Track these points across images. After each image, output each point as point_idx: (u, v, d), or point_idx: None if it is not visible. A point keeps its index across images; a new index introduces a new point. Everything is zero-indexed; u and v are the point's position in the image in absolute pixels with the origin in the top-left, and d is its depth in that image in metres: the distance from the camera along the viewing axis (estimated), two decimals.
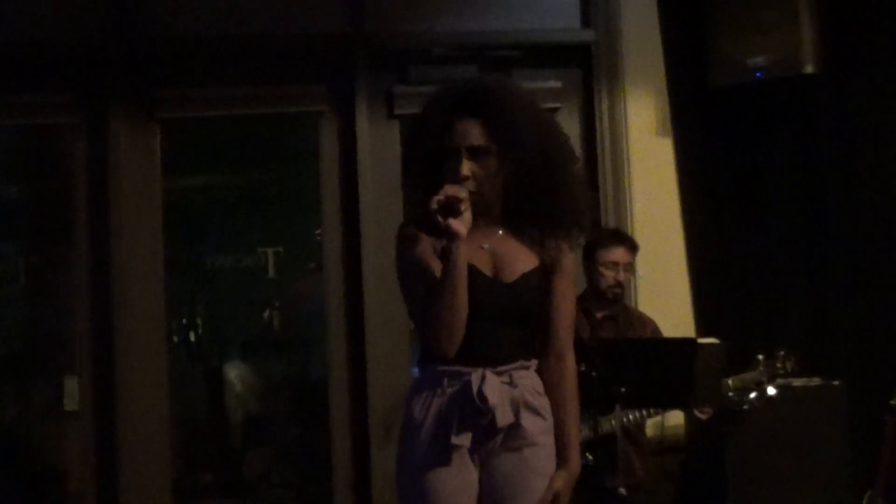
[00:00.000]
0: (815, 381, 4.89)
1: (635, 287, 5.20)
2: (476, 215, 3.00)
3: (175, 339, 6.19)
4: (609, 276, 4.71)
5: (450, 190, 2.94)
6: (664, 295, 5.30)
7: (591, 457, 4.30)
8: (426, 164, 3.09)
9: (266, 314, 6.58)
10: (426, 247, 3.07)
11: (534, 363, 3.14)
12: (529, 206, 3.10)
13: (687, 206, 5.42)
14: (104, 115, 5.20)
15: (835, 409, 4.88)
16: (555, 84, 5.46)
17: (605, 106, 5.46)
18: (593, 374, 4.00)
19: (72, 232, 5.25)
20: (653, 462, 4.84)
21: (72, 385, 5.18)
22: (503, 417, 3.03)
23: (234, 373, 6.53)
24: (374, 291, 5.25)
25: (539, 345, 3.16)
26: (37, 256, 5.66)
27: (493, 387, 3.03)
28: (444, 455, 3.03)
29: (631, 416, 4.45)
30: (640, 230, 5.25)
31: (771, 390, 4.54)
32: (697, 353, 4.23)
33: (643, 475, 4.68)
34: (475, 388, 3.02)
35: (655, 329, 4.83)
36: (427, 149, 3.10)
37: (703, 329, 5.24)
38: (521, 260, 3.11)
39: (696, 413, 4.52)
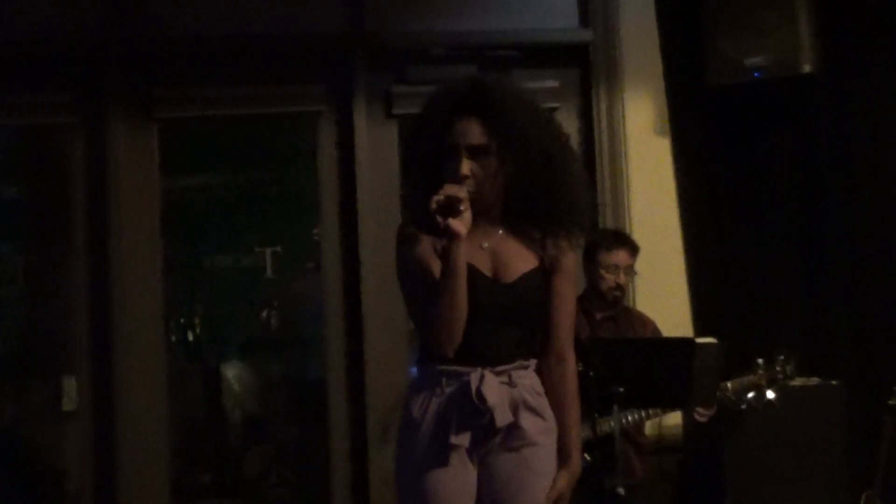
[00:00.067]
0: (814, 381, 4.89)
1: (633, 287, 5.19)
2: (476, 215, 3.00)
3: (173, 338, 6.19)
4: (610, 278, 4.70)
5: (449, 190, 2.93)
6: (662, 295, 5.29)
7: (588, 457, 4.30)
8: (426, 164, 3.09)
9: (264, 314, 6.59)
10: (426, 247, 3.06)
11: (533, 363, 3.14)
12: (530, 206, 3.10)
13: (685, 206, 5.42)
14: (103, 114, 5.20)
15: (833, 409, 4.87)
16: (553, 84, 5.46)
17: (603, 106, 5.46)
18: (591, 373, 4.00)
19: (70, 232, 5.25)
20: (651, 461, 4.84)
21: (70, 385, 5.18)
22: (502, 417, 3.02)
23: (233, 373, 6.53)
24: (373, 291, 5.25)
25: (539, 345, 3.16)
26: (35, 256, 5.66)
27: (492, 387, 3.02)
28: (442, 455, 3.03)
29: (630, 419, 4.45)
30: (638, 230, 5.25)
31: (770, 394, 4.54)
32: (695, 353, 4.23)
33: (642, 475, 4.68)
34: (474, 388, 3.01)
35: (655, 329, 4.83)
36: (427, 148, 3.09)
37: (700, 329, 5.23)
38: (520, 260, 3.11)
39: (695, 416, 4.53)
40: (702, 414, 4.53)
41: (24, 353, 5.65)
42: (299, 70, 5.37)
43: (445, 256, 2.96)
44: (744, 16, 5.17)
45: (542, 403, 3.11)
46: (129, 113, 5.22)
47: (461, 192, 2.94)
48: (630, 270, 4.77)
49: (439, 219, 2.91)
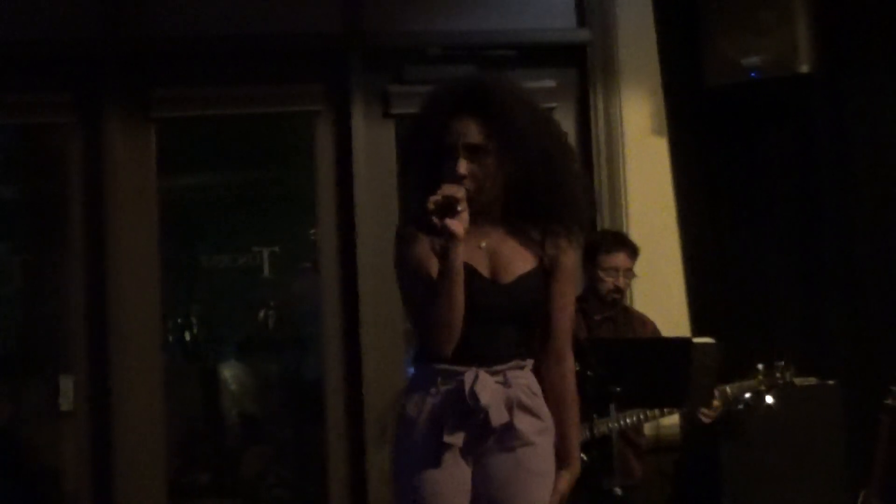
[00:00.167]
0: (811, 380, 4.89)
1: (631, 287, 5.19)
2: (475, 215, 2.99)
3: (170, 338, 6.18)
4: (609, 281, 4.70)
5: (447, 189, 2.92)
6: (659, 294, 5.29)
7: (586, 457, 4.29)
8: (424, 164, 3.08)
9: (261, 314, 6.58)
10: (424, 247, 3.05)
11: (530, 363, 3.12)
12: (529, 205, 3.09)
13: (682, 206, 5.42)
14: (100, 114, 5.20)
15: (830, 409, 4.88)
16: (550, 84, 5.45)
17: (600, 105, 5.46)
18: (589, 373, 3.99)
19: (67, 231, 5.24)
20: (648, 461, 4.84)
21: (67, 384, 5.17)
22: (497, 417, 3.01)
23: (230, 372, 6.52)
24: (370, 291, 5.25)
25: (538, 345, 3.15)
26: (33, 256, 5.66)
27: (486, 386, 3.01)
28: (437, 454, 3.02)
29: (629, 420, 4.44)
30: (636, 229, 5.24)
31: (769, 399, 4.54)
32: (693, 353, 4.23)
33: (640, 475, 4.68)
34: (467, 388, 3.00)
35: (655, 330, 4.83)
36: (425, 148, 3.08)
37: (698, 328, 5.24)
38: (519, 260, 3.10)
39: (701, 417, 4.52)
40: (707, 415, 4.52)
41: (21, 353, 5.65)
42: (297, 70, 5.37)
43: (443, 256, 2.95)
44: (741, 16, 5.18)
45: (538, 403, 3.10)
46: (127, 112, 5.22)
47: (459, 192, 2.92)
48: (629, 273, 4.75)
49: (436, 219, 2.90)
